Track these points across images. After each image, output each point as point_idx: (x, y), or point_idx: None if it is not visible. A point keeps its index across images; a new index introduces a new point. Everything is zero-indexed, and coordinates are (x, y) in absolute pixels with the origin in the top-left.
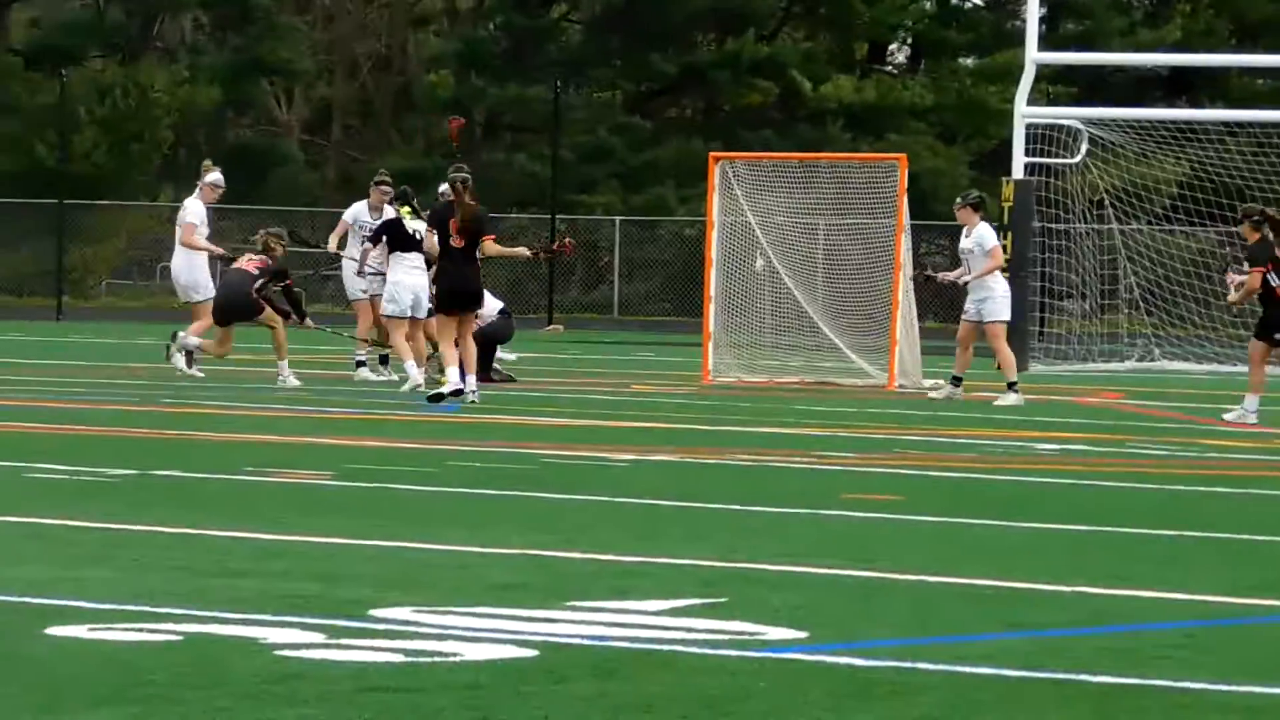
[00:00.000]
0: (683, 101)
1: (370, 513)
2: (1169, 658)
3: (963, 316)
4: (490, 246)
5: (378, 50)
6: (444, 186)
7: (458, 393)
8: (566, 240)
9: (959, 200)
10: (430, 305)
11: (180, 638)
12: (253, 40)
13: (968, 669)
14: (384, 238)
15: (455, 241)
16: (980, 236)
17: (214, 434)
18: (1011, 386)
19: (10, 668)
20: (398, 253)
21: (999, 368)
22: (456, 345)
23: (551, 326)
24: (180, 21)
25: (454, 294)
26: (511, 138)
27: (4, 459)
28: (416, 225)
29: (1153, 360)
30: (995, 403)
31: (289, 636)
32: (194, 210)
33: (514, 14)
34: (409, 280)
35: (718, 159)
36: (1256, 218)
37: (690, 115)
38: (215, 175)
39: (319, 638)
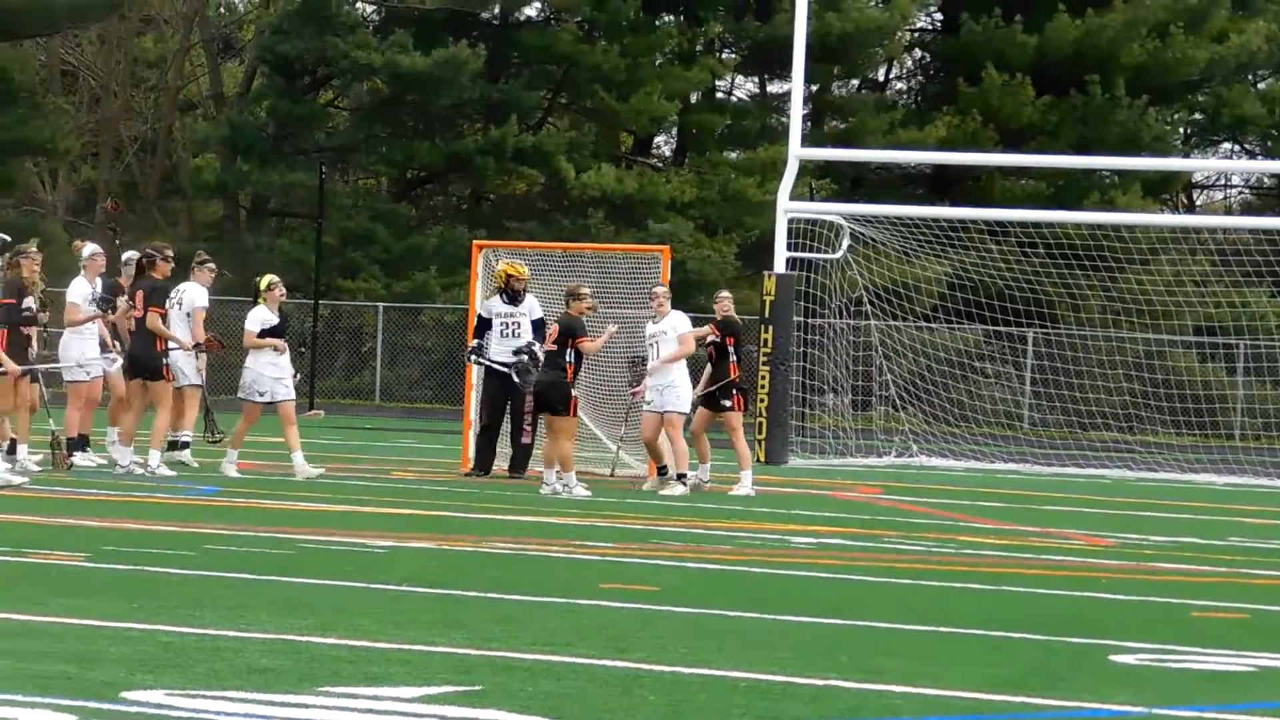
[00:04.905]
0: (448, 189)
1: (126, 594)
2: None
3: (645, 408)
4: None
5: (144, 133)
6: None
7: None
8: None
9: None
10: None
11: None
12: (17, 120)
13: None
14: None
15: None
16: (674, 321)
17: None
18: (680, 478)
19: None
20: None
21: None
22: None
23: (312, 411)
24: None
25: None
26: (276, 223)
27: None
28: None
29: (911, 456)
30: (661, 491)
31: (40, 718)
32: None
33: (280, 99)
34: None
35: (481, 246)
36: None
37: (455, 203)
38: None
39: (70, 719)
